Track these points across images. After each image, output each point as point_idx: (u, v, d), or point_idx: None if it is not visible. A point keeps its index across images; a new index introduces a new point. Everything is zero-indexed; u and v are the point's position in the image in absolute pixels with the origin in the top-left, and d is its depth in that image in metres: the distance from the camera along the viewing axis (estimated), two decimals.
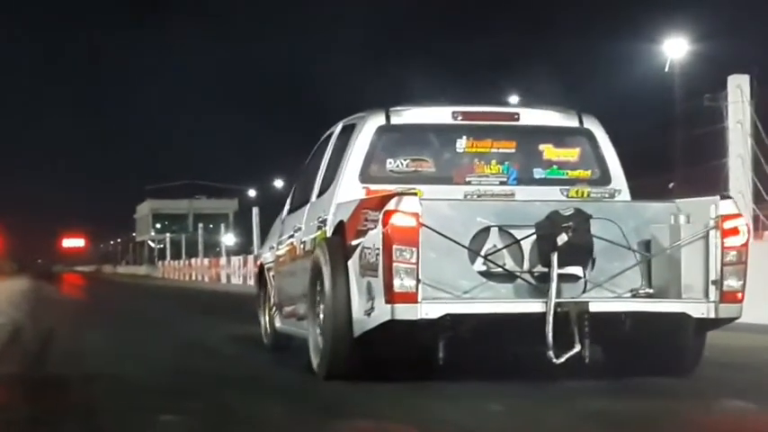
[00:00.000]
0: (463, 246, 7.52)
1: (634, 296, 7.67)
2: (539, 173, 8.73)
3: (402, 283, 7.17)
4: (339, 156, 8.89)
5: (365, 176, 8.51)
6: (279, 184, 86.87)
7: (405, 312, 7.18)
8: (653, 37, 43.81)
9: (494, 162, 8.68)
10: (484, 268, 7.69)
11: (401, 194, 7.31)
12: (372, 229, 7.43)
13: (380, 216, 7.31)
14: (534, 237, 7.56)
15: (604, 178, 8.74)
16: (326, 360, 7.87)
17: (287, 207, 10.56)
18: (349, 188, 8.50)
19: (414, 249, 7.18)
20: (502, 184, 8.63)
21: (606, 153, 8.77)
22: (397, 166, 8.59)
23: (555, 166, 8.73)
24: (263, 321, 11.05)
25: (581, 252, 7.39)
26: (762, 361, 9.49)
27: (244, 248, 58.56)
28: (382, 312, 7.26)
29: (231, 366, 9.67)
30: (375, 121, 8.63)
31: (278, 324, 10.37)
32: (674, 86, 42.76)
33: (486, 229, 7.75)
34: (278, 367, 9.33)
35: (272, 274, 10.68)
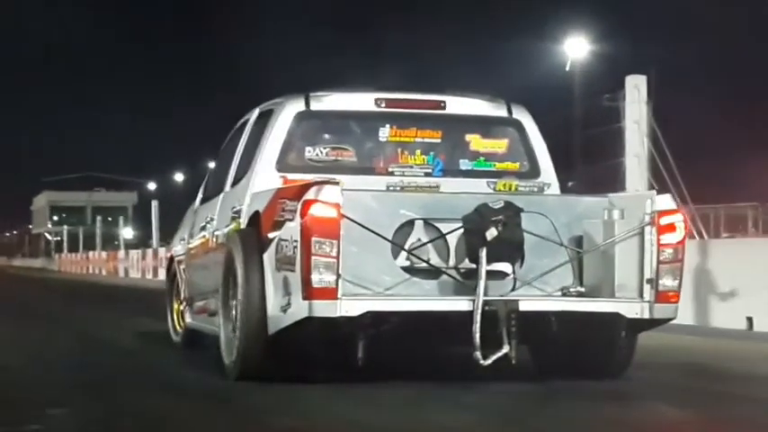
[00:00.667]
0: (386, 239, 7.09)
1: (564, 295, 7.28)
2: (465, 164, 8.33)
3: (321, 278, 6.71)
4: (255, 143, 8.42)
5: (282, 165, 8.05)
6: (179, 177, 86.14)
7: (323, 309, 6.73)
8: (555, 36, 43.84)
9: (418, 152, 8.25)
10: (407, 263, 7.27)
11: (321, 183, 6.86)
12: (290, 220, 6.97)
13: (298, 206, 6.85)
14: (461, 231, 7.15)
15: (533, 171, 8.35)
16: (239, 359, 7.39)
17: (199, 197, 10.06)
18: (265, 177, 8.02)
19: (334, 242, 6.73)
20: (426, 175, 8.21)
21: (535, 145, 8.39)
22: (317, 154, 8.13)
23: (482, 158, 8.33)
24: (172, 316, 10.54)
25: (511, 248, 6.99)
26: (691, 362, 9.17)
27: (143, 242, 58.16)
28: (299, 309, 6.81)
29: (135, 363, 9.15)
30: (294, 106, 8.17)
31: (188, 320, 9.87)
32: (575, 86, 42.79)
33: (411, 223, 7.32)
34: (186, 365, 8.83)
35: (182, 267, 10.17)
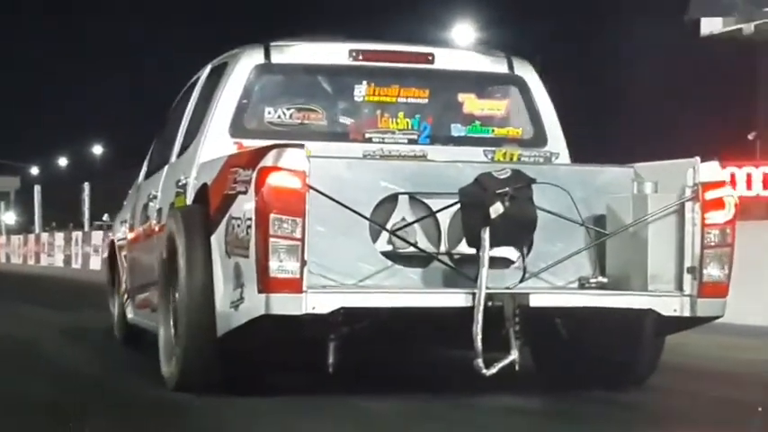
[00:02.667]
0: (364, 217, 5.69)
1: (582, 287, 5.90)
2: (457, 129, 6.92)
3: (281, 266, 5.31)
4: (206, 105, 7.00)
5: (237, 129, 6.63)
6: (63, 162, 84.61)
7: (284, 305, 5.32)
8: (444, 22, 42.55)
9: (401, 115, 6.85)
10: (389, 248, 5.88)
11: (281, 146, 5.45)
12: (242, 193, 5.57)
13: (253, 175, 5.45)
14: (457, 207, 5.76)
15: (538, 138, 6.96)
16: (179, 365, 5.98)
17: (143, 170, 8.63)
18: (216, 144, 6.61)
19: (298, 220, 5.32)
20: (411, 142, 6.81)
21: (541, 107, 6.99)
22: (279, 116, 6.71)
23: (477, 122, 6.93)
24: (115, 311, 9.10)
25: (520, 228, 5.57)
26: (726, 370, 7.78)
27: (25, 227, 57.94)
28: (254, 305, 5.40)
29: (65, 368, 7.70)
30: (251, 58, 6.75)
31: (130, 315, 8.45)
32: None
33: (394, 198, 5.93)
34: (117, 370, 7.38)
35: (123, 253, 8.73)
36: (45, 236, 38.68)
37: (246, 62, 6.72)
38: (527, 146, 6.91)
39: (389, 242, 5.88)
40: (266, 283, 5.31)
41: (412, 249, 5.87)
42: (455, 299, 5.49)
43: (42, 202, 42.92)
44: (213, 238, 5.88)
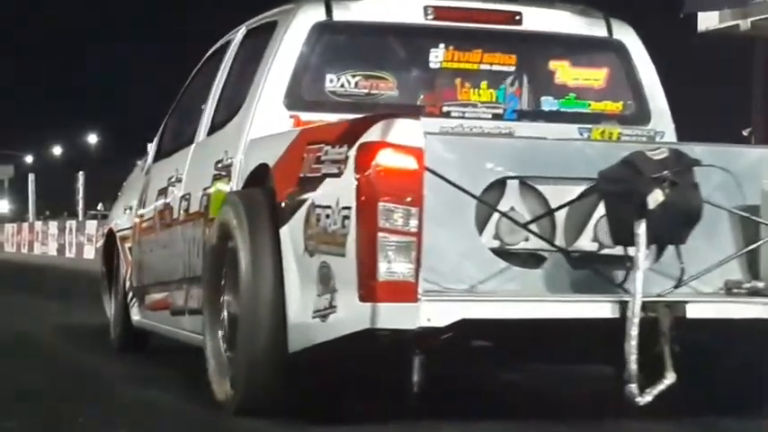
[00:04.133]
0: (493, 207, 4.64)
1: (730, 292, 4.87)
2: (549, 103, 5.87)
3: (391, 268, 4.23)
4: (247, 72, 5.90)
5: (293, 100, 5.53)
6: (57, 150, 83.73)
7: (395, 317, 4.24)
8: None
9: (484, 85, 5.78)
10: (496, 244, 4.81)
11: (391, 116, 4.36)
12: (333, 175, 4.48)
13: (351, 153, 4.36)
14: (575, 194, 4.74)
15: (641, 114, 5.92)
16: (240, 388, 4.89)
17: (151, 153, 7.48)
18: (268, 118, 5.51)
19: (413, 210, 4.25)
20: (495, 117, 5.75)
21: (644, 78, 5.95)
22: (342, 85, 5.62)
23: (572, 94, 5.88)
24: (111, 311, 7.94)
25: (683, 220, 4.50)
26: None
27: (19, 216, 58.14)
28: (353, 316, 4.31)
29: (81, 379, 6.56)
30: (309, 15, 5.64)
31: (136, 317, 7.30)
32: None
33: (501, 183, 4.86)
34: (125, 383, 6.25)
35: (128, 245, 7.56)
36: (39, 224, 38.52)
37: (304, 20, 5.62)
38: (628, 123, 5.87)
39: (496, 236, 4.82)
40: (372, 290, 4.22)
41: (524, 246, 4.82)
42: (602, 309, 4.43)
43: (36, 191, 42.23)
44: (284, 232, 4.79)
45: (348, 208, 4.32)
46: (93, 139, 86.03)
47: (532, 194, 4.89)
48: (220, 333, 5.23)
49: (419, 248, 4.23)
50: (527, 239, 4.83)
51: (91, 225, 30.65)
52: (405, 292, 4.22)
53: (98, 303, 9.64)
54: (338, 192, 4.40)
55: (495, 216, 4.80)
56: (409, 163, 4.24)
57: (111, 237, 8.02)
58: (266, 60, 5.64)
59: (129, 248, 7.51)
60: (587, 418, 5.09)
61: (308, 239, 4.60)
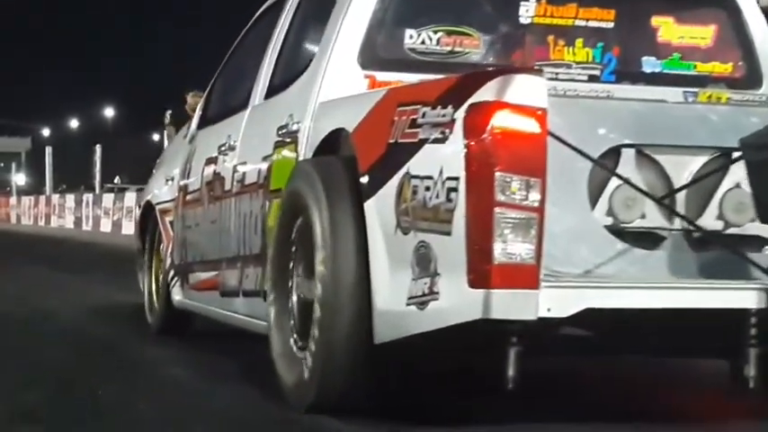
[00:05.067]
0: (618, 176, 4.04)
1: None
2: (651, 64, 5.25)
3: (508, 249, 3.62)
4: (313, 28, 5.31)
5: (368, 59, 4.92)
6: (74, 123, 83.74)
7: (512, 306, 3.63)
8: None
9: (579, 43, 5.16)
10: (610, 221, 4.21)
11: (507, 72, 3.75)
12: (435, 140, 3.87)
13: (459, 115, 3.75)
14: (698, 166, 4.15)
15: (752, 77, 5.30)
16: (315, 380, 4.29)
17: (196, 119, 6.87)
18: (340, 78, 4.90)
19: (535, 182, 3.64)
20: (592, 79, 5.13)
21: (756, 36, 5.33)
22: (422, 42, 5.00)
23: (676, 54, 5.26)
24: (146, 290, 7.36)
25: None
26: None
27: (36, 188, 57.53)
28: (460, 304, 3.71)
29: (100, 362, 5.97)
30: None
31: (177, 297, 6.72)
32: None
33: (615, 152, 4.25)
34: (176, 366, 5.65)
35: (169, 219, 6.97)
36: (56, 197, 38.14)
37: None
38: (738, 86, 5.24)
39: (609, 213, 4.22)
40: (485, 274, 3.62)
41: (640, 223, 4.22)
42: (746, 297, 3.83)
43: (53, 164, 42.41)
44: (369, 206, 4.19)
45: (455, 178, 3.71)
46: (110, 112, 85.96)
47: (650, 165, 4.29)
48: (289, 321, 4.64)
49: (541, 226, 3.62)
50: (644, 216, 4.23)
51: (108, 198, 30.59)
52: (524, 276, 3.62)
53: (121, 278, 9.33)
54: (442, 159, 3.80)
55: (609, 189, 4.20)
56: (531, 126, 3.63)
57: (148, 210, 7.42)
58: (337, 15, 5.03)
59: (171, 223, 6.92)
60: (703, 421, 4.50)
61: (401, 215, 4.00)
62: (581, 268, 4.02)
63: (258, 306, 5.21)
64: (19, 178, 67.75)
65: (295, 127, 5.02)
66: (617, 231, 4.18)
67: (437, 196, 3.79)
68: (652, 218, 4.24)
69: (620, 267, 4.07)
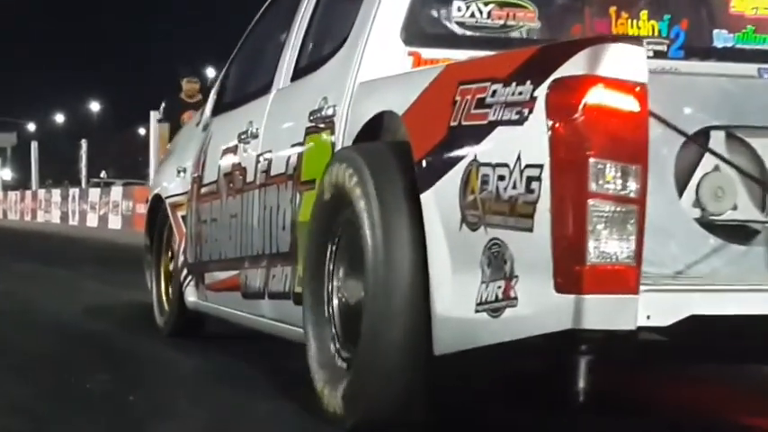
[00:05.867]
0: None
1: None
2: (722, 38, 4.74)
3: (604, 248, 3.11)
4: (346, 3, 4.78)
5: (413, 33, 4.40)
6: (60, 118, 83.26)
7: (610, 313, 3.11)
8: None
9: (644, 15, 4.65)
10: (697, 212, 3.69)
11: (603, 40, 3.22)
12: (511, 122, 3.35)
13: (542, 92, 3.23)
14: None
15: None
16: (362, 396, 3.79)
17: (210, 106, 6.35)
18: (381, 56, 4.39)
19: (634, 169, 3.12)
20: (658, 55, 4.62)
21: None
22: (472, 15, 4.48)
23: (750, 28, 4.76)
24: (159, 290, 6.85)
25: None
26: None
27: (22, 184, 58.00)
28: (545, 311, 3.19)
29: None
30: None
31: (191, 298, 6.22)
32: None
33: (704, 134, 3.73)
34: (213, 383, 5.13)
35: (181, 214, 6.46)
36: (42, 192, 38.48)
37: None
38: None
39: (696, 204, 3.71)
40: (576, 277, 3.10)
41: (731, 216, 3.71)
42: None
43: (39, 159, 42.63)
44: (427, 198, 3.67)
45: (537, 166, 3.19)
46: (95, 107, 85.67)
47: (742, 149, 3.77)
48: (329, 328, 4.12)
49: (641, 221, 3.11)
50: (735, 207, 3.72)
51: (94, 193, 31.27)
52: (621, 280, 3.10)
53: (114, 273, 9.06)
54: (519, 144, 3.28)
55: (696, 178, 3.69)
56: (630, 104, 3.11)
57: (158, 204, 6.90)
58: None
59: (183, 217, 6.40)
60: None
61: (467, 208, 3.48)
62: (671, 268, 3.52)
63: (287, 309, 4.72)
64: (5, 173, 68.05)
65: (330, 111, 4.51)
66: (707, 225, 3.67)
67: (514, 186, 3.27)
68: (745, 209, 3.73)
69: (714, 266, 3.57)
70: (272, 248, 4.97)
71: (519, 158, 3.26)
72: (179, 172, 6.49)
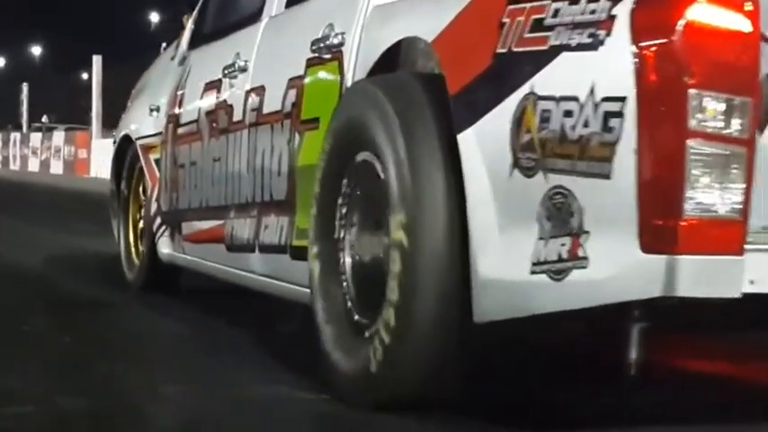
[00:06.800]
0: None
1: None
2: None
3: (703, 199, 2.56)
4: None
5: None
6: (0, 62, 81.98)
7: (712, 278, 2.57)
8: None
9: None
10: None
11: None
12: (581, 47, 2.78)
13: (623, 9, 2.66)
14: None
15: None
16: (387, 370, 3.23)
17: (186, 37, 5.74)
18: None
19: (746, 103, 2.57)
20: None
21: None
22: None
23: None
24: (128, 242, 6.26)
25: None
26: None
27: None
28: (626, 275, 2.64)
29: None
30: None
31: (165, 250, 5.64)
32: None
33: None
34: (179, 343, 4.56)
35: (153, 157, 5.85)
36: None
37: None
38: None
39: None
40: (670, 234, 2.55)
41: None
42: None
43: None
44: (467, 139, 3.10)
45: (619, 99, 2.63)
46: (37, 50, 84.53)
47: None
48: (342, 288, 3.56)
49: (750, 166, 2.56)
50: None
51: (35, 137, 31.30)
52: (725, 238, 2.56)
53: (62, 218, 8.62)
54: (593, 73, 2.71)
55: None
56: (738, 23, 2.55)
57: (126, 145, 6.29)
58: None
59: (157, 161, 5.81)
60: None
61: (521, 150, 2.91)
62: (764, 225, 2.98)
63: (282, 264, 4.16)
64: None
65: (337, 39, 3.92)
66: None
67: (585, 124, 2.71)
68: None
69: None
70: (265, 196, 4.40)
71: (592, 90, 2.70)
72: (152, 110, 5.88)
